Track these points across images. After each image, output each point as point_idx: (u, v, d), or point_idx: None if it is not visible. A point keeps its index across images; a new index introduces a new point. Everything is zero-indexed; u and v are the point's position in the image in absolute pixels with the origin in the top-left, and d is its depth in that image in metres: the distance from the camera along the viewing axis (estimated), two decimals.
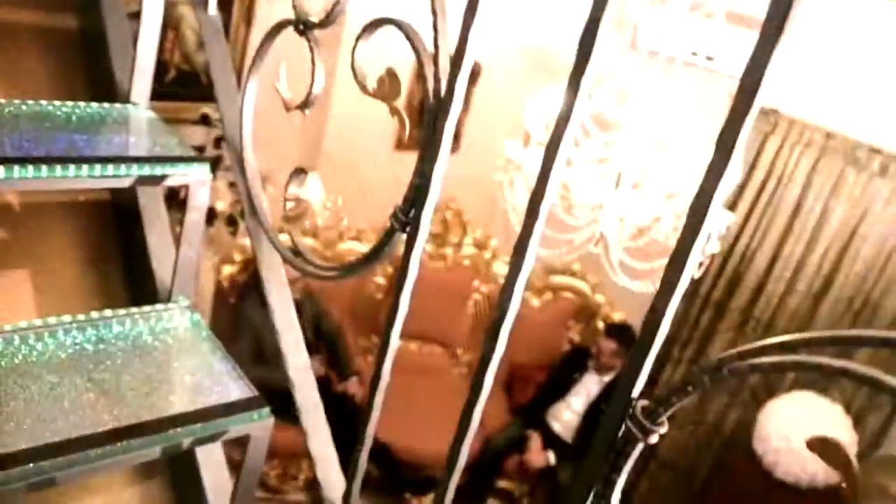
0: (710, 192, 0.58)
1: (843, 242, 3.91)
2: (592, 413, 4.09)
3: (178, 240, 1.29)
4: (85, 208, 1.53)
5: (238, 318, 3.90)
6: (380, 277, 4.56)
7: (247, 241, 3.14)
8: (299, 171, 1.01)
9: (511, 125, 3.68)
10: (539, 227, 0.70)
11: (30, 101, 1.28)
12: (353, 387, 4.09)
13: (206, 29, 1.31)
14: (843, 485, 0.55)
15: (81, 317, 1.20)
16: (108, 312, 1.23)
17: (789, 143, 3.97)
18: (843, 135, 3.81)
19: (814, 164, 3.92)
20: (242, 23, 3.71)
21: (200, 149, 3.32)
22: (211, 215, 3.62)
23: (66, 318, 1.18)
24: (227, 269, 4.16)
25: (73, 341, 1.16)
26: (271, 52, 1.10)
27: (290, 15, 1.02)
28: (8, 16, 1.56)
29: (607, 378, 4.12)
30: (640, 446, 0.66)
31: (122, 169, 1.18)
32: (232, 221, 3.73)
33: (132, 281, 1.47)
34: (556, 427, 4.21)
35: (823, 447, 0.56)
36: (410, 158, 0.85)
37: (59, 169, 1.12)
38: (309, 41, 1.00)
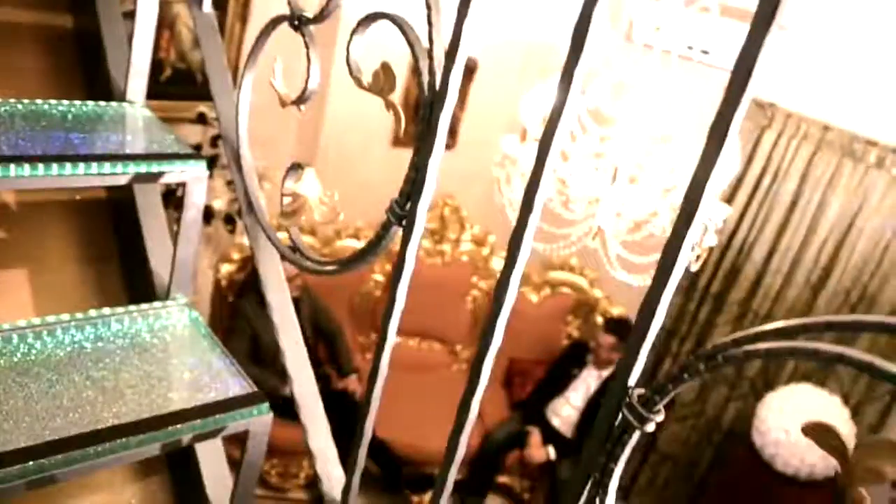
0: (703, 182, 0.58)
1: (841, 234, 3.92)
2: (592, 408, 4.10)
3: (175, 238, 1.29)
4: (82, 207, 1.53)
5: (237, 316, 3.91)
6: (378, 275, 4.57)
7: (245, 240, 3.15)
8: (296, 167, 1.01)
9: (507, 121, 3.68)
10: (534, 219, 0.70)
11: (25, 100, 1.28)
12: (353, 384, 4.10)
13: (200, 26, 1.31)
14: (838, 470, 0.56)
15: (80, 315, 1.20)
16: (106, 310, 1.23)
17: (786, 136, 3.98)
18: (839, 127, 3.82)
19: (810, 157, 3.93)
20: (238, 21, 3.71)
21: (197, 147, 3.33)
22: (209, 214, 3.63)
23: (65, 316, 1.19)
24: (226, 268, 4.16)
25: (72, 339, 1.16)
26: (267, 49, 1.10)
27: (286, 11, 1.02)
28: (3, 16, 1.56)
29: (606, 373, 4.13)
30: (636, 434, 0.66)
31: (119, 167, 1.18)
32: (230, 220, 3.73)
33: (130, 279, 1.47)
34: (556, 422, 4.22)
35: (818, 432, 0.56)
36: (407, 155, 0.85)
37: (55, 167, 1.12)
38: (304, 36, 1.00)
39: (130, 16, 1.39)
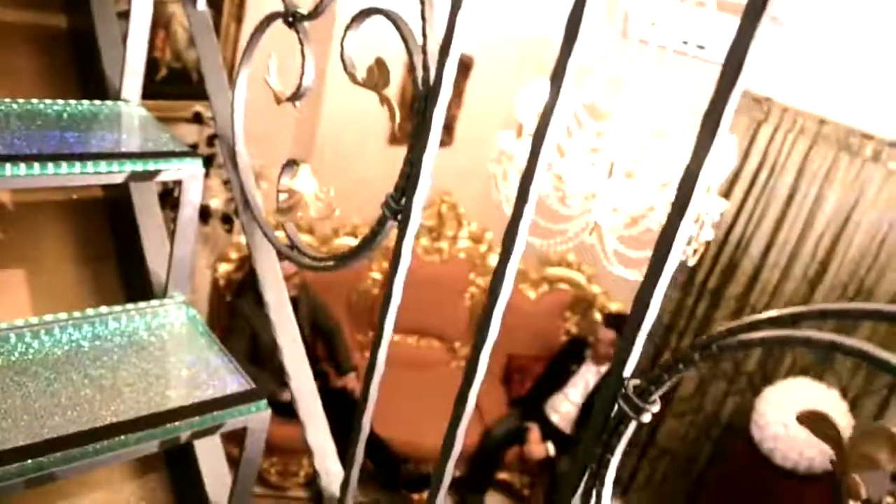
0: (695, 173, 0.59)
1: (838, 228, 3.93)
2: (591, 404, 4.10)
3: (172, 236, 1.30)
4: (79, 207, 1.53)
5: (235, 316, 3.91)
6: (376, 272, 4.57)
7: (242, 239, 3.15)
8: (291, 163, 1.01)
9: (504, 118, 3.68)
10: (529, 211, 0.70)
11: (20, 100, 1.28)
12: (352, 382, 4.10)
13: (195, 24, 1.31)
14: (833, 458, 0.56)
15: (77, 314, 1.20)
16: (103, 309, 1.23)
17: (782, 130, 3.98)
18: (835, 121, 3.83)
19: (807, 151, 3.94)
20: (233, 20, 3.71)
21: (194, 147, 3.32)
22: (206, 213, 3.63)
23: (62, 315, 1.19)
24: (224, 268, 4.16)
25: (70, 338, 1.17)
26: (263, 47, 1.10)
27: (280, 9, 1.02)
28: None
29: (605, 368, 4.13)
30: (633, 425, 0.67)
31: (115, 165, 1.18)
32: (227, 219, 3.73)
33: (127, 278, 1.47)
34: (555, 418, 4.23)
35: (813, 420, 0.56)
36: (404, 153, 0.85)
37: (51, 166, 1.12)
38: (298, 33, 1.00)
39: (125, 16, 1.39)
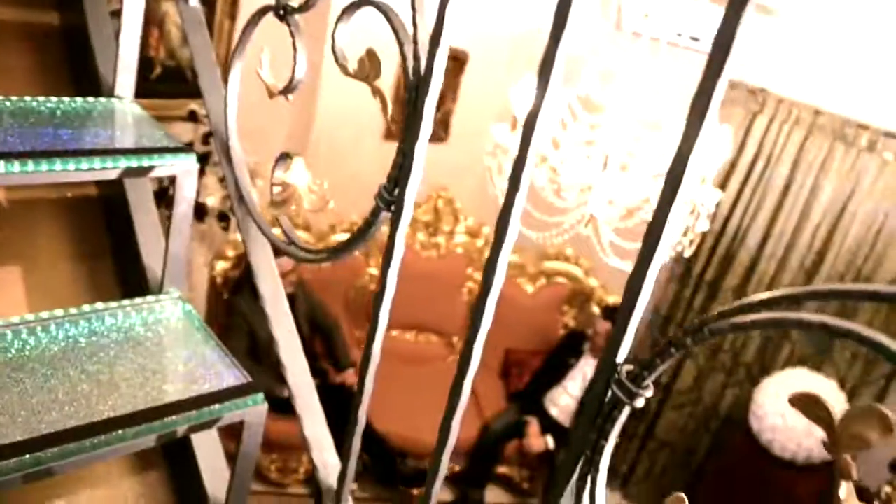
0: (685, 157, 0.59)
1: (834, 219, 3.93)
2: None
3: (167, 233, 1.30)
4: (74, 204, 1.53)
5: (233, 313, 3.91)
6: (373, 269, 4.57)
7: (239, 237, 3.14)
8: (285, 156, 1.01)
9: (500, 112, 3.68)
10: (521, 198, 0.70)
11: (13, 97, 1.28)
12: (351, 378, 4.10)
13: (187, 20, 1.31)
14: (825, 440, 0.56)
15: (73, 310, 1.20)
16: (99, 305, 1.23)
17: (778, 121, 3.99)
18: (830, 112, 3.83)
19: (802, 142, 3.94)
20: (226, 18, 3.70)
21: (189, 145, 3.32)
22: (202, 211, 3.63)
23: (58, 312, 1.19)
24: (221, 265, 4.16)
25: (66, 334, 1.17)
26: (257, 41, 1.10)
27: (272, 2, 1.02)
28: None
29: None
30: (626, 410, 0.67)
31: (109, 161, 1.18)
32: (223, 217, 3.73)
33: (123, 275, 1.47)
34: (554, 412, 4.23)
35: (804, 402, 0.57)
36: None
37: (44, 163, 1.12)
38: (290, 26, 1.00)
39: (118, 14, 1.39)
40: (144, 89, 1.47)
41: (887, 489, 3.34)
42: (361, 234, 0.88)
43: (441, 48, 0.77)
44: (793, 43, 3.76)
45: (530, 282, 4.79)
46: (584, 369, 4.21)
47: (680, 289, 4.43)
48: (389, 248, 0.84)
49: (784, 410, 3.71)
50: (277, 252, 1.16)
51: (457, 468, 4.26)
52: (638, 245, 0.64)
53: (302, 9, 0.98)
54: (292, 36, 1.00)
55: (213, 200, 3.60)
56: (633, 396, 0.66)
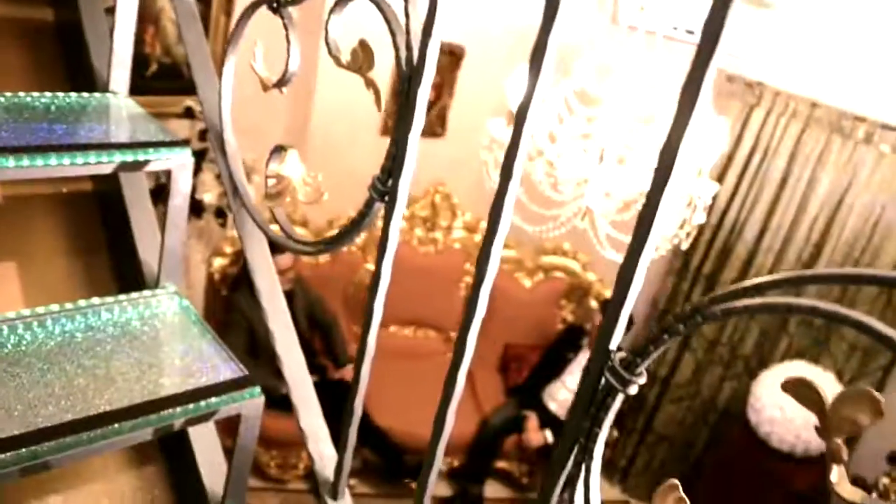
0: (676, 143, 0.59)
1: (831, 211, 3.94)
2: None
3: (163, 228, 1.30)
4: (69, 200, 1.53)
5: (231, 310, 3.91)
6: (371, 264, 4.57)
7: (236, 233, 3.14)
8: (279, 149, 1.01)
9: (496, 107, 3.68)
10: (514, 187, 0.71)
11: (7, 93, 1.28)
12: (349, 374, 4.09)
13: (180, 13, 1.31)
14: (817, 424, 0.57)
15: (69, 305, 1.20)
16: (96, 300, 1.23)
17: (775, 114, 3.99)
18: (827, 104, 3.83)
19: (799, 135, 3.94)
20: (222, 14, 3.70)
21: (185, 142, 3.32)
22: (200, 208, 3.63)
23: (54, 307, 1.19)
24: (218, 262, 4.16)
25: (62, 329, 1.17)
26: (253, 35, 1.10)
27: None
28: None
29: None
30: (620, 398, 0.67)
31: (104, 156, 1.18)
32: (221, 213, 3.73)
33: (120, 270, 1.47)
34: (553, 406, 4.24)
35: (796, 386, 0.57)
36: None
37: (39, 158, 1.12)
38: (283, 18, 1.00)
39: (112, 12, 1.39)
40: (140, 86, 1.47)
41: (885, 480, 3.35)
42: (356, 225, 0.88)
43: (433, 39, 0.77)
44: (789, 36, 3.75)
45: (528, 276, 4.79)
46: (583, 364, 4.20)
47: (678, 282, 4.43)
48: (384, 239, 0.84)
49: (782, 403, 3.72)
50: (274, 246, 1.17)
51: (456, 463, 4.27)
52: None
53: (295, 1, 0.98)
54: (285, 28, 1.00)
55: (210, 197, 3.60)
56: (626, 384, 0.66)
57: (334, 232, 4.23)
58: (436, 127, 4.44)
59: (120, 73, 1.42)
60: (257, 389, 1.12)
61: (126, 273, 1.43)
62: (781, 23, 3.69)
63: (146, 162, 1.22)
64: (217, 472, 1.29)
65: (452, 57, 4.29)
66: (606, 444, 0.73)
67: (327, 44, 0.88)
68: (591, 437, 0.70)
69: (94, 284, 1.44)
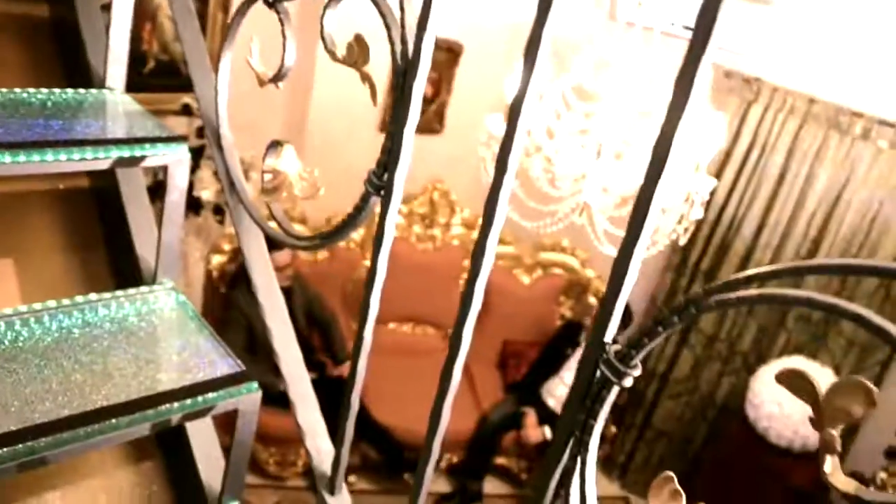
0: (670, 135, 0.59)
1: (829, 207, 3.94)
2: None
3: (161, 224, 1.30)
4: (66, 196, 1.53)
5: (230, 307, 3.91)
6: (369, 261, 4.57)
7: (234, 229, 3.14)
8: (275, 144, 1.01)
9: (495, 104, 3.68)
10: (509, 179, 0.71)
11: (3, 89, 1.28)
12: (348, 371, 4.10)
13: (176, 8, 1.31)
14: (812, 416, 0.57)
15: (67, 301, 1.20)
16: (93, 296, 1.23)
17: (772, 109, 3.99)
18: (825, 100, 3.83)
19: (797, 131, 3.94)
20: (219, 10, 3.69)
21: (182, 138, 3.31)
22: (198, 205, 3.62)
23: (51, 303, 1.19)
24: (217, 259, 4.16)
25: (60, 325, 1.17)
26: (250, 31, 1.10)
27: None
28: None
29: None
30: (615, 390, 0.67)
31: (100, 152, 1.18)
32: (219, 210, 3.73)
33: (117, 266, 1.47)
34: (551, 403, 4.24)
35: (790, 377, 0.57)
36: None
37: (36, 154, 1.12)
38: (278, 13, 1.00)
39: (109, 9, 1.39)
40: (138, 83, 1.46)
41: (882, 475, 3.35)
42: (352, 219, 0.88)
43: (428, 32, 0.77)
44: (787, 32, 3.75)
45: (527, 273, 4.79)
46: None
47: (676, 278, 4.43)
48: (380, 233, 0.84)
49: (780, 398, 3.73)
50: (271, 243, 1.17)
51: (455, 459, 4.28)
52: None
53: None
54: (281, 23, 1.00)
55: (208, 194, 3.60)
56: (621, 376, 0.66)
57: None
58: (434, 124, 4.44)
59: (116, 69, 1.42)
60: (254, 384, 1.12)
61: (123, 269, 1.43)
62: (779, 19, 3.69)
63: (143, 157, 1.22)
64: (215, 467, 1.29)
65: (450, 54, 4.29)
66: (605, 440, 0.73)
67: (323, 39, 0.88)
68: (586, 430, 0.71)
69: (91, 280, 1.44)
